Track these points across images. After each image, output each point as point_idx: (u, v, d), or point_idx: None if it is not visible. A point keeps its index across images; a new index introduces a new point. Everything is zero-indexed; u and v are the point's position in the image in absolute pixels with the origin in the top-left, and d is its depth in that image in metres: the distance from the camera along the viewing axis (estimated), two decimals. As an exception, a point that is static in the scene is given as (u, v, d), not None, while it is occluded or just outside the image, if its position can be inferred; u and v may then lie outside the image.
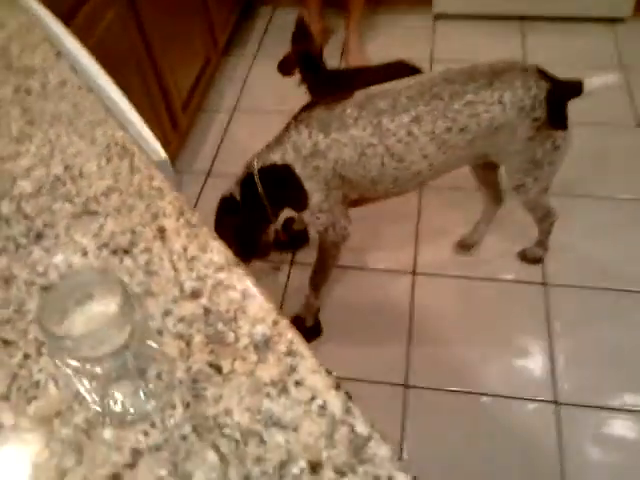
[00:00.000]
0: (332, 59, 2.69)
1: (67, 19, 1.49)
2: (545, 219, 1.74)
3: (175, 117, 2.15)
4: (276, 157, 1.45)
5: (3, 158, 0.78)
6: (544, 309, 1.76)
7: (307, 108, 1.47)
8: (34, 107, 0.85)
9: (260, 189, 1.49)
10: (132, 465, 0.50)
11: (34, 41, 0.98)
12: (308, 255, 1.97)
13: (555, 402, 1.57)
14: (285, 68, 1.82)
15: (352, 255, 1.95)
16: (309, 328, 1.76)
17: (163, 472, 0.50)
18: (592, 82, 1.40)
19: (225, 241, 0.67)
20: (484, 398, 1.59)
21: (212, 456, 0.50)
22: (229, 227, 1.54)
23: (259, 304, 0.60)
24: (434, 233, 2.00)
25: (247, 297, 0.61)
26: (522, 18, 2.78)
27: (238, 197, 1.53)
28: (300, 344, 0.56)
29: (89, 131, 0.80)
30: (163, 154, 0.84)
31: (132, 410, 0.54)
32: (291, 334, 0.57)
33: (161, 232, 0.67)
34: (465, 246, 1.92)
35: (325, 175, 1.45)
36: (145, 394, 0.54)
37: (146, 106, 1.95)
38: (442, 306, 1.81)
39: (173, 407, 0.54)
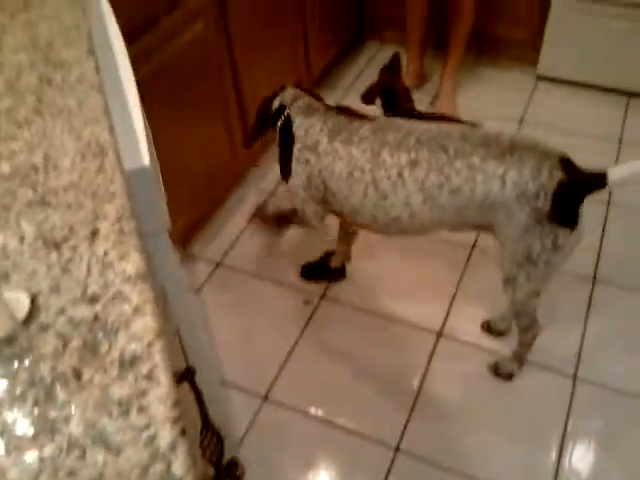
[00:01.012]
0: (421, 103, 2.67)
1: (149, 26, 1.60)
2: (528, 330, 1.57)
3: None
4: (297, 120, 1.52)
5: (-1, 139, 0.84)
6: (567, 405, 1.62)
7: (340, 108, 1.52)
8: (47, 98, 0.91)
9: (282, 119, 1.56)
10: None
11: (77, 38, 1.04)
12: (342, 291, 1.95)
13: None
14: (368, 97, 1.92)
15: (384, 299, 1.91)
16: (333, 269, 1.92)
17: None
18: (616, 172, 1.25)
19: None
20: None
21: (32, 457, 0.51)
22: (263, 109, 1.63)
23: (144, 322, 0.60)
24: (475, 294, 1.92)
25: (137, 313, 0.61)
26: (629, 94, 2.63)
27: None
28: (162, 371, 0.56)
29: (80, 128, 0.85)
30: (145, 162, 0.87)
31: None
32: (159, 358, 0.57)
33: (94, 234, 0.69)
34: (491, 331, 1.78)
35: (311, 171, 1.47)
36: (8, 384, 0.56)
37: (220, 120, 2.03)
38: (458, 378, 1.73)
39: (24, 400, 0.55)
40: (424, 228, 1.44)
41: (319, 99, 1.60)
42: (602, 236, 2.07)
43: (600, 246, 2.03)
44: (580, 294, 1.89)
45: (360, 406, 1.67)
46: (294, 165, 1.53)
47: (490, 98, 2.64)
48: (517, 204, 1.28)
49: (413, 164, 1.33)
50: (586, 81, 2.67)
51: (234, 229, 2.20)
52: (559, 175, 1.26)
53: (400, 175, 1.35)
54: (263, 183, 2.35)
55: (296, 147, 1.51)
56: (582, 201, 1.29)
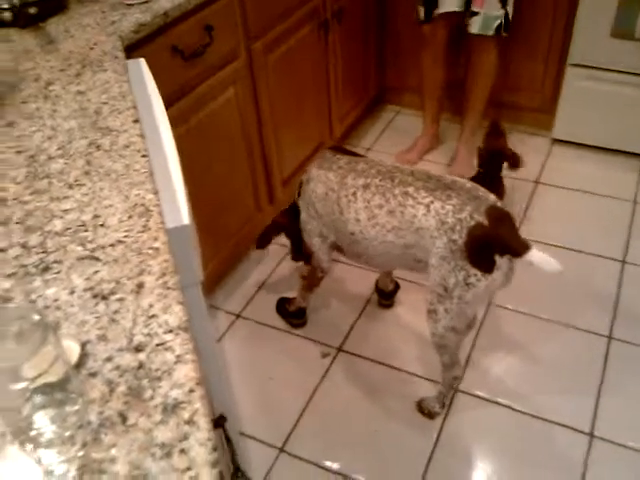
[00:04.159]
0: (437, 165, 2.76)
1: (188, 89, 1.70)
2: (450, 369, 1.64)
3: (273, 192, 2.31)
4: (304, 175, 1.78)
5: (52, 198, 0.92)
6: (581, 466, 1.62)
7: (334, 147, 1.79)
8: (95, 161, 0.99)
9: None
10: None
11: (123, 107, 1.14)
12: (359, 344, 1.98)
13: None
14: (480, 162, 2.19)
15: (398, 352, 1.94)
16: (292, 312, 2.07)
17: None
18: (537, 255, 1.34)
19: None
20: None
21: (82, 495, 0.55)
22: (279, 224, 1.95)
23: (186, 371, 0.65)
24: (493, 347, 1.93)
25: (179, 362, 0.66)
26: (643, 157, 2.69)
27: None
28: (202, 416, 0.60)
29: (127, 189, 0.92)
30: (185, 220, 0.94)
31: (45, 437, 0.61)
32: (199, 405, 0.62)
33: (139, 287, 0.75)
34: (424, 411, 1.78)
35: (308, 198, 1.73)
36: (58, 426, 0.61)
37: (247, 178, 2.12)
38: (477, 431, 1.73)
39: (73, 444, 0.60)
40: (379, 250, 1.58)
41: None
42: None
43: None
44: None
45: (376, 459, 1.67)
46: (300, 201, 1.79)
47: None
48: (437, 231, 1.41)
49: (365, 187, 1.55)
50: (600, 144, 2.74)
51: (254, 282, 2.26)
52: (479, 218, 1.37)
53: (354, 194, 1.57)
54: (283, 239, 2.41)
55: (300, 190, 1.79)
56: (501, 254, 1.38)
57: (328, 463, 1.67)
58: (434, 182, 1.47)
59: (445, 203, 1.41)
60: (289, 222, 1.89)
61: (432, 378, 1.85)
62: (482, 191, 1.46)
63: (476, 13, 2.36)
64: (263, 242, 2.00)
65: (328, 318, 2.11)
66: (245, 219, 2.18)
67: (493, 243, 1.39)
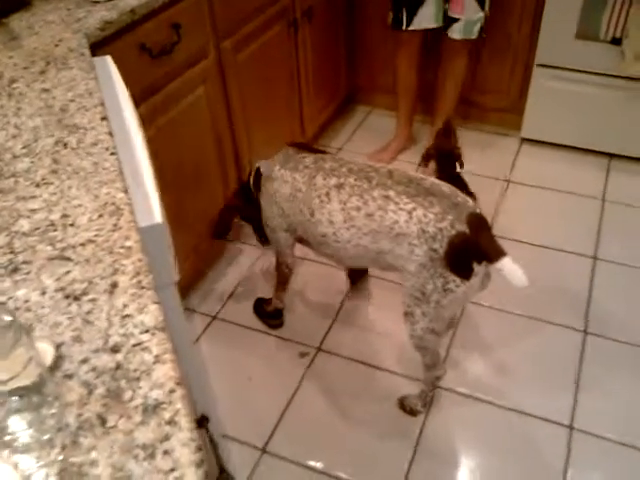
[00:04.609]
0: (411, 165, 2.76)
1: (156, 87, 1.67)
2: (431, 369, 1.64)
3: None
4: (262, 166, 1.74)
5: (18, 198, 0.88)
6: (563, 459, 1.63)
7: (298, 144, 1.76)
8: (63, 159, 0.96)
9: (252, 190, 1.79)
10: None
11: (90, 104, 1.10)
12: (338, 342, 1.97)
13: None
14: (426, 159, 2.12)
15: (378, 349, 1.93)
16: (268, 312, 2.05)
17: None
18: (508, 264, 1.34)
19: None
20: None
21: (60, 502, 0.52)
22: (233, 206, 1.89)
23: (165, 371, 0.62)
24: (471, 343, 1.94)
25: (158, 362, 0.63)
26: (611, 155, 2.74)
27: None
28: (184, 417, 0.58)
29: (96, 188, 0.89)
30: (158, 219, 0.91)
31: (20, 441, 0.58)
32: (180, 405, 0.59)
33: (113, 287, 0.72)
34: (405, 408, 1.78)
35: (270, 197, 1.70)
36: (35, 429, 0.58)
37: (218, 176, 2.09)
38: (457, 424, 1.73)
39: (52, 447, 0.57)
40: (351, 252, 1.55)
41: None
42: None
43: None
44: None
45: (358, 458, 1.66)
46: (260, 199, 1.75)
47: (477, 160, 2.72)
48: (417, 239, 1.40)
49: (339, 187, 1.51)
50: (568, 143, 2.78)
51: (230, 283, 2.23)
52: (460, 227, 1.36)
53: (327, 195, 1.52)
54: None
55: (260, 184, 1.74)
56: (479, 260, 1.38)
57: (311, 462, 1.65)
58: (414, 186, 1.43)
59: (427, 211, 1.38)
60: (242, 203, 1.84)
61: (412, 376, 1.84)
62: (461, 196, 1.44)
63: (456, 20, 2.37)
64: (220, 230, 1.93)
65: (305, 318, 2.09)
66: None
67: (473, 251, 1.38)
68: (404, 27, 2.45)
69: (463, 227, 1.36)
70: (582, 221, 2.44)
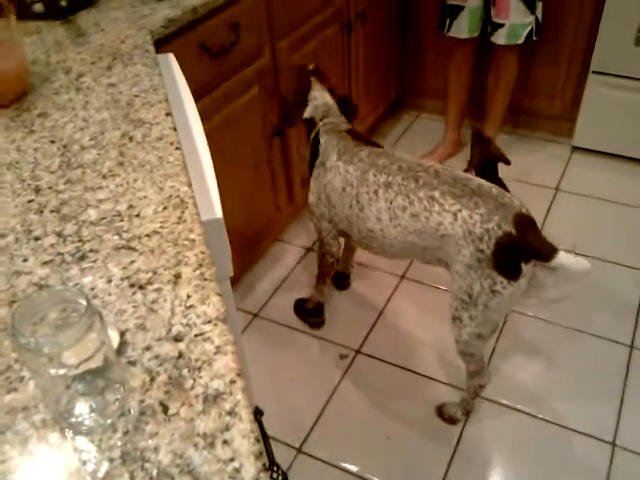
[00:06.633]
0: (458, 170, 2.74)
1: (213, 86, 1.70)
2: (475, 376, 1.61)
3: (292, 193, 2.30)
4: (322, 138, 1.71)
5: (87, 188, 0.91)
6: (604, 476, 1.59)
7: (355, 133, 1.73)
8: (129, 152, 0.99)
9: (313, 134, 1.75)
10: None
11: (155, 100, 1.13)
12: (377, 345, 1.97)
13: None
14: (471, 167, 2.11)
15: (414, 354, 1.92)
16: (309, 309, 2.06)
17: (80, 484, 0.54)
18: (565, 257, 1.33)
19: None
20: None
21: (125, 484, 0.54)
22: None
23: (225, 362, 0.64)
24: (514, 353, 1.91)
25: (219, 352, 0.65)
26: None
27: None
28: (244, 408, 0.60)
29: (161, 181, 0.92)
30: (219, 214, 0.93)
31: (85, 424, 0.60)
32: (241, 396, 0.61)
33: (176, 277, 0.75)
34: (444, 416, 1.76)
35: (319, 184, 1.71)
36: (99, 413, 0.60)
37: (267, 176, 2.12)
38: (495, 437, 1.71)
39: (115, 431, 0.59)
40: (398, 249, 1.57)
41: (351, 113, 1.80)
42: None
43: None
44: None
45: (393, 463, 1.66)
46: (312, 181, 1.75)
47: (526, 167, 2.69)
48: (464, 240, 1.39)
49: (387, 185, 1.51)
50: (622, 153, 2.72)
51: (272, 281, 2.26)
52: (507, 228, 1.35)
53: (375, 193, 1.53)
54: (301, 240, 2.41)
55: (316, 163, 1.72)
56: (527, 261, 1.37)
57: (346, 465, 1.66)
58: (460, 187, 1.43)
59: (473, 212, 1.38)
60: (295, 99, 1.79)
61: (452, 383, 1.83)
62: (508, 197, 1.43)
63: (501, 25, 2.35)
64: (283, 115, 1.90)
65: (346, 319, 2.09)
66: (264, 219, 2.18)
67: (521, 251, 1.37)
68: (445, 31, 2.46)
69: (510, 227, 1.35)
70: (633, 233, 2.39)
